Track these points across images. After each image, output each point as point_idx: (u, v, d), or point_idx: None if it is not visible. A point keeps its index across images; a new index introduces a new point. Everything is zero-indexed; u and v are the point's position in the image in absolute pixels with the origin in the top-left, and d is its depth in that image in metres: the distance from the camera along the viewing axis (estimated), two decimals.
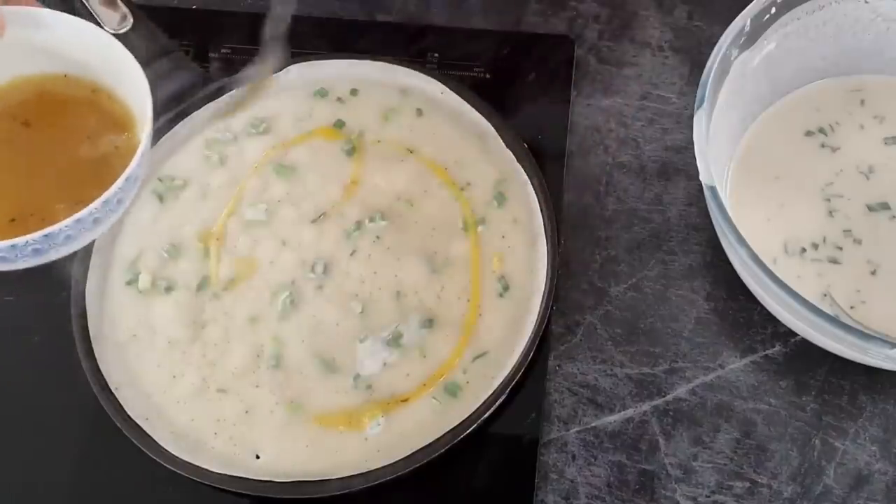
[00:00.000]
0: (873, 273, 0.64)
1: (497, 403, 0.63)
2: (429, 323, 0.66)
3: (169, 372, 0.66)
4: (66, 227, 0.53)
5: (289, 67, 0.75)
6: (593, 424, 0.65)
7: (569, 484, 0.63)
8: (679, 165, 0.72)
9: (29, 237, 0.53)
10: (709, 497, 0.62)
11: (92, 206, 0.54)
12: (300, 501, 0.63)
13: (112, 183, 0.54)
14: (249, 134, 0.73)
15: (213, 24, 0.80)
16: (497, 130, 0.72)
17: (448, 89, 0.73)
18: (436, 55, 0.76)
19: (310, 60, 0.75)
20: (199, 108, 0.74)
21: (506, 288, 0.67)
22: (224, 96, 0.72)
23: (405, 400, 0.64)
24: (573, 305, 0.68)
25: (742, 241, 0.57)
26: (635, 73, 0.76)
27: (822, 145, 0.69)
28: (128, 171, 0.55)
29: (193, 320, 0.67)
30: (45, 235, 0.53)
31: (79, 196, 0.56)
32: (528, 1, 0.80)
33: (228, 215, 0.70)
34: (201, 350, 0.66)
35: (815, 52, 0.68)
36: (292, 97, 0.74)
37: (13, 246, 0.53)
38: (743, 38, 0.63)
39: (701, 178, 0.59)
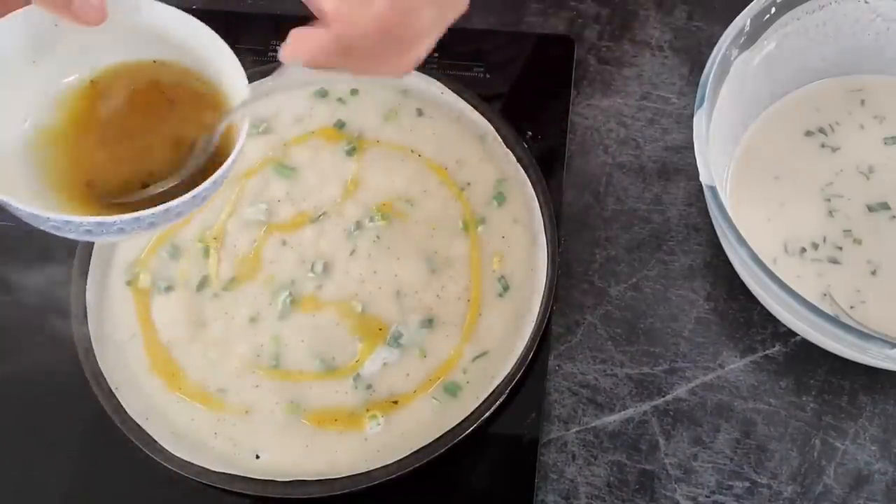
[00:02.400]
0: (873, 273, 0.64)
1: (497, 403, 0.63)
2: (429, 323, 0.66)
3: (169, 372, 0.66)
4: (152, 214, 0.53)
5: (289, 67, 0.74)
6: (593, 424, 0.65)
7: (569, 484, 0.63)
8: (679, 165, 0.72)
9: (118, 218, 0.52)
10: (709, 497, 0.62)
11: (181, 199, 0.53)
12: (300, 501, 0.63)
13: (209, 161, 0.55)
14: (249, 134, 0.72)
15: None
16: (497, 130, 0.72)
17: (448, 89, 0.73)
18: (436, 55, 0.76)
19: None
20: None
21: (506, 288, 0.67)
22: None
23: (405, 400, 0.64)
24: (573, 305, 0.68)
25: (742, 241, 0.57)
26: (635, 73, 0.76)
27: (822, 145, 0.69)
28: (219, 172, 0.55)
29: (193, 320, 0.67)
30: (135, 219, 0.52)
31: (159, 173, 0.57)
32: (528, 1, 0.80)
33: (228, 215, 0.70)
34: (201, 350, 0.66)
35: (815, 52, 0.68)
36: (292, 97, 0.74)
37: (100, 223, 0.52)
38: (743, 38, 0.63)
39: (701, 178, 0.59)
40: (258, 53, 0.77)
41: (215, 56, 0.59)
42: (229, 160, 0.55)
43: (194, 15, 0.60)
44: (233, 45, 0.61)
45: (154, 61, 0.61)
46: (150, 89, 0.61)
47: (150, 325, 0.67)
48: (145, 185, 0.56)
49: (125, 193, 0.55)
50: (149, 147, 0.59)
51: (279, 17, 0.80)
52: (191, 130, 0.60)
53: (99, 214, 0.52)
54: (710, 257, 0.69)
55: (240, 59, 0.59)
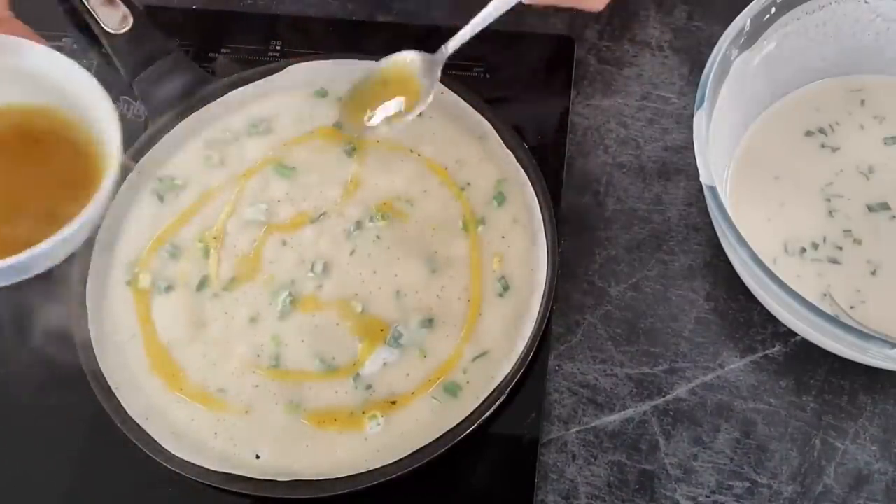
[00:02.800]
0: (873, 273, 0.65)
1: (497, 403, 0.63)
2: (429, 323, 0.66)
3: (169, 372, 0.66)
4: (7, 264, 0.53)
5: (289, 67, 0.75)
6: (593, 424, 0.65)
7: (569, 484, 0.63)
8: (679, 165, 0.72)
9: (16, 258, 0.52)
10: (709, 497, 0.62)
11: (33, 250, 0.53)
12: (300, 501, 0.63)
13: (66, 222, 0.53)
14: (249, 134, 0.73)
15: (213, 24, 0.80)
16: (497, 130, 0.72)
17: (448, 89, 0.73)
18: None
19: (310, 60, 0.75)
20: (199, 108, 0.74)
21: (506, 288, 0.67)
22: None
23: (405, 400, 0.64)
24: (573, 305, 0.68)
25: (742, 241, 0.57)
26: (635, 73, 0.76)
27: (822, 145, 0.69)
28: (81, 216, 0.54)
29: (193, 320, 0.67)
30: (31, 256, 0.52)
31: (25, 232, 0.56)
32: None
33: (228, 215, 0.70)
34: (201, 350, 0.66)
35: (815, 52, 0.68)
36: (292, 97, 0.74)
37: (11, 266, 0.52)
38: (743, 38, 0.63)
39: (701, 178, 0.59)
40: (258, 53, 0.77)
41: (92, 102, 0.58)
42: (60, 233, 0.54)
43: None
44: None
45: (34, 105, 0.61)
46: (22, 135, 0.61)
47: (150, 325, 0.67)
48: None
49: None
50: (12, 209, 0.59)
51: (279, 17, 0.80)
52: (48, 186, 0.59)
53: None
54: (710, 257, 0.69)
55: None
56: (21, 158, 0.60)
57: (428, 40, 0.68)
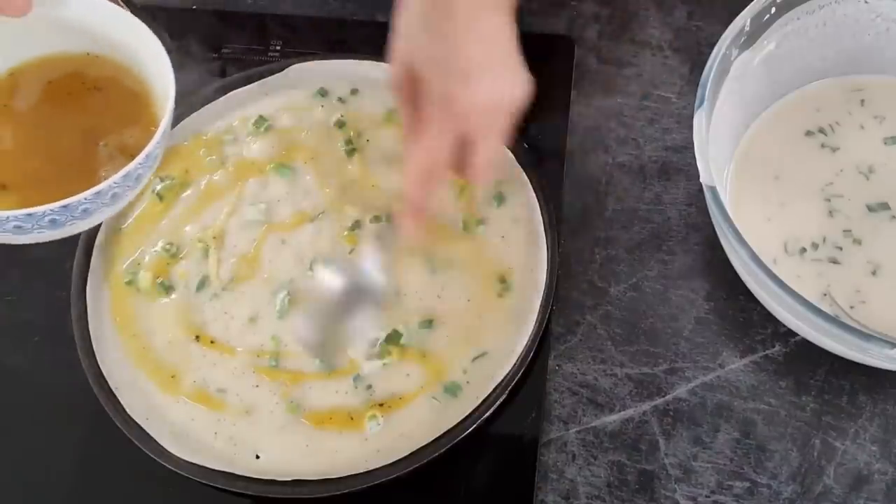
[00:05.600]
0: (873, 273, 0.64)
1: (497, 403, 0.63)
2: (429, 323, 0.66)
3: (169, 372, 0.66)
4: (85, 199, 0.53)
5: (289, 68, 0.75)
6: (593, 424, 0.65)
7: (569, 484, 0.63)
8: (679, 165, 0.72)
9: (47, 207, 0.51)
10: (709, 497, 0.62)
11: (111, 179, 0.53)
12: (300, 501, 0.63)
13: (128, 163, 0.54)
14: (249, 134, 0.73)
15: (213, 24, 0.80)
16: None
17: None
18: None
19: (310, 60, 0.75)
20: (200, 108, 0.74)
21: (506, 288, 0.67)
22: None
23: (405, 400, 0.64)
24: (573, 305, 0.68)
25: (742, 241, 0.57)
26: (635, 73, 0.76)
27: (822, 145, 0.69)
28: (148, 147, 0.54)
29: (193, 320, 0.67)
30: (64, 206, 0.52)
31: (82, 175, 0.56)
32: (528, 1, 0.79)
33: (228, 215, 0.70)
34: (201, 350, 0.66)
35: (815, 52, 0.68)
36: (292, 97, 0.74)
37: (30, 214, 0.52)
38: (743, 38, 0.63)
39: (701, 178, 0.59)
40: (258, 53, 0.77)
41: (145, 52, 0.59)
42: (145, 150, 0.54)
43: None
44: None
45: (87, 54, 0.61)
46: (73, 82, 0.61)
47: (150, 325, 0.67)
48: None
49: (41, 195, 0.54)
50: (62, 144, 0.59)
51: (279, 17, 0.80)
52: (111, 126, 0.59)
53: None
54: (710, 257, 0.69)
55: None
56: (82, 103, 0.60)
57: None
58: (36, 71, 0.61)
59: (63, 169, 0.58)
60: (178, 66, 0.72)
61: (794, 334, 0.66)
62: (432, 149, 0.55)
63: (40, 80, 0.61)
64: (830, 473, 0.62)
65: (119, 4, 0.68)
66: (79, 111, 0.60)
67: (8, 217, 0.51)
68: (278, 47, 0.78)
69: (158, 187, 0.71)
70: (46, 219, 0.52)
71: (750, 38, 0.63)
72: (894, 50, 0.68)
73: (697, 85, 0.61)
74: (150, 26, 0.59)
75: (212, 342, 0.66)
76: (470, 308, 0.67)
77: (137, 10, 0.72)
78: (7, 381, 0.69)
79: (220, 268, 0.68)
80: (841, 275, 0.64)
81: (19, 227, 0.52)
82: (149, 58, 0.59)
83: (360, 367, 0.65)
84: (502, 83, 0.55)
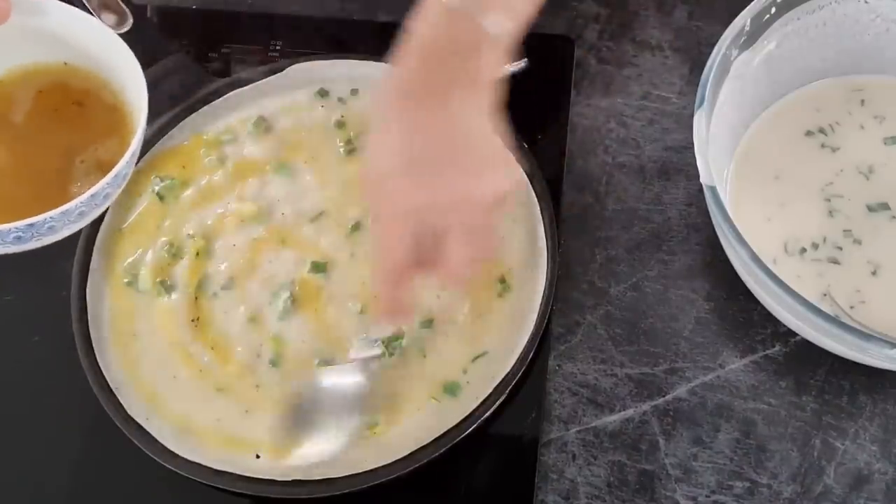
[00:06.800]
0: (873, 273, 0.64)
1: (497, 403, 0.63)
2: (429, 323, 0.66)
3: (169, 372, 0.66)
4: (51, 217, 0.54)
5: (289, 68, 0.75)
6: (593, 424, 0.65)
7: (569, 484, 0.63)
8: (679, 165, 0.72)
9: (12, 225, 0.53)
10: (709, 497, 0.62)
11: (79, 199, 0.54)
12: (300, 501, 0.63)
13: (100, 179, 0.55)
14: (249, 134, 0.73)
15: (213, 24, 0.80)
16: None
17: None
18: None
19: (310, 60, 0.75)
20: (199, 108, 0.74)
21: (506, 288, 0.67)
22: None
23: (405, 400, 0.64)
24: (573, 305, 0.68)
25: (742, 241, 0.57)
26: (635, 73, 0.76)
27: (822, 145, 0.69)
28: (117, 167, 0.55)
29: (193, 320, 0.67)
30: (29, 224, 0.53)
31: (55, 192, 0.57)
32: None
33: (228, 215, 0.70)
34: (201, 350, 0.66)
35: (815, 52, 0.68)
36: (292, 97, 0.74)
37: (65, 212, 0.53)
38: (743, 38, 0.63)
39: (701, 178, 0.59)
40: (258, 53, 0.77)
41: (122, 66, 0.59)
42: (114, 170, 0.56)
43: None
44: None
45: (64, 64, 0.61)
46: (57, 94, 0.61)
47: (150, 325, 0.67)
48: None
49: (14, 212, 0.55)
50: (43, 162, 0.60)
51: (279, 17, 0.80)
52: (89, 141, 0.60)
53: None
54: (710, 257, 0.69)
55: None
56: (65, 117, 0.61)
57: None
58: (22, 81, 0.61)
59: (39, 188, 0.59)
60: (177, 67, 0.73)
61: (794, 334, 0.66)
62: (392, 249, 0.53)
63: (28, 91, 0.61)
64: (830, 473, 0.62)
65: (120, 5, 0.68)
66: (62, 126, 0.61)
67: (10, 230, 0.53)
68: (278, 47, 0.78)
69: (158, 187, 0.71)
70: (11, 236, 0.54)
71: (750, 38, 0.63)
72: (894, 50, 0.68)
73: (697, 85, 0.61)
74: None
75: (212, 342, 0.66)
76: (470, 308, 0.66)
77: (139, 13, 0.72)
78: (7, 381, 0.69)
79: (219, 268, 0.68)
80: (841, 275, 0.64)
81: (19, 237, 0.54)
82: (125, 73, 0.59)
83: (360, 367, 0.65)
84: (501, 176, 0.54)
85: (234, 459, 0.63)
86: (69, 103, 0.61)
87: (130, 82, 0.59)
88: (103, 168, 0.58)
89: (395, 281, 0.55)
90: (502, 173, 0.54)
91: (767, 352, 0.66)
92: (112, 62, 0.60)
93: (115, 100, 0.61)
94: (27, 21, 0.58)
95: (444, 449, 0.62)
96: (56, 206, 0.54)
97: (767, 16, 0.63)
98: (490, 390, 0.64)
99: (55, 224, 0.55)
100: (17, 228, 0.54)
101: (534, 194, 0.69)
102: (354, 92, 0.74)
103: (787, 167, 0.68)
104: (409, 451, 0.62)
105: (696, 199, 0.71)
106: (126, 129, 0.60)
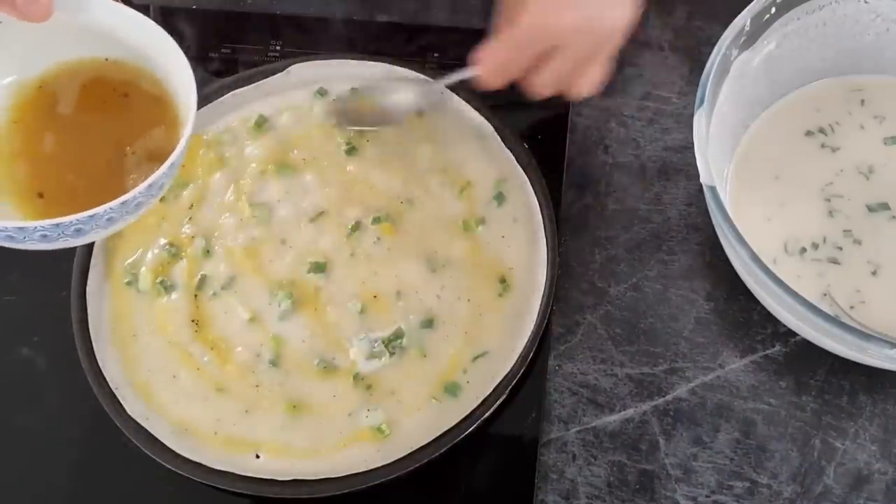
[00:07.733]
0: (873, 273, 0.65)
1: (497, 403, 0.63)
2: (429, 323, 0.66)
3: (169, 372, 0.66)
4: (110, 209, 0.53)
5: (289, 68, 0.75)
6: (593, 424, 0.65)
7: (569, 484, 0.63)
8: (679, 165, 0.72)
9: (74, 217, 0.52)
10: (709, 497, 0.62)
11: (137, 190, 0.53)
12: (300, 501, 0.63)
13: (154, 169, 0.54)
14: (249, 134, 0.73)
15: (213, 24, 0.80)
16: (497, 130, 0.72)
17: (448, 89, 0.73)
18: (436, 55, 0.76)
19: (310, 60, 0.75)
20: (200, 108, 0.74)
21: (506, 288, 0.67)
22: None
23: (405, 400, 0.64)
24: (573, 305, 0.68)
25: (742, 241, 0.57)
26: (635, 73, 0.76)
27: (822, 145, 0.69)
28: (172, 157, 0.55)
29: (193, 320, 0.67)
30: (90, 216, 0.52)
31: (110, 183, 0.57)
32: None
33: (228, 215, 0.70)
34: (201, 350, 0.66)
35: (815, 52, 0.68)
36: (292, 97, 0.74)
37: (57, 224, 0.52)
38: (743, 38, 0.63)
39: (701, 178, 0.59)
40: (258, 53, 0.77)
41: (165, 56, 0.59)
42: (169, 160, 0.55)
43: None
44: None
45: (106, 59, 0.61)
46: (102, 87, 0.61)
47: (150, 325, 0.67)
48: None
49: (73, 203, 0.54)
50: (96, 153, 0.59)
51: (279, 17, 0.80)
52: (137, 132, 0.60)
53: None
54: (710, 257, 0.69)
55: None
56: (113, 109, 0.61)
57: (426, 40, 0.68)
58: (66, 76, 0.61)
59: (94, 179, 0.59)
60: None
61: (794, 334, 0.66)
62: (511, 53, 0.60)
63: (73, 86, 0.61)
64: (830, 473, 0.62)
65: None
66: (110, 118, 0.61)
67: (35, 227, 0.52)
68: (278, 47, 0.78)
69: None
70: (72, 228, 0.53)
71: (750, 38, 0.63)
72: (894, 50, 0.68)
73: (697, 85, 0.61)
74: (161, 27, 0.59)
75: (212, 342, 0.66)
76: (470, 308, 0.67)
77: (140, 10, 0.72)
78: (7, 381, 0.69)
79: (219, 267, 0.68)
80: (841, 275, 0.64)
81: (45, 236, 0.53)
82: (168, 63, 0.59)
83: (360, 366, 0.65)
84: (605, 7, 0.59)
85: (233, 459, 0.63)
86: (116, 95, 0.61)
87: (174, 72, 0.59)
88: (153, 158, 0.57)
89: (500, 73, 0.62)
90: (627, 8, 0.59)
91: (767, 352, 0.66)
92: (154, 53, 0.59)
93: (158, 90, 0.60)
94: (69, 18, 0.58)
95: (444, 449, 0.62)
96: (112, 198, 0.53)
97: (767, 16, 0.63)
98: (490, 390, 0.64)
99: (114, 215, 0.54)
100: (77, 220, 0.52)
101: (534, 194, 0.69)
102: (354, 92, 0.74)
103: (787, 167, 0.68)
104: (409, 451, 0.62)
105: (696, 199, 0.71)
106: (172, 118, 0.60)
